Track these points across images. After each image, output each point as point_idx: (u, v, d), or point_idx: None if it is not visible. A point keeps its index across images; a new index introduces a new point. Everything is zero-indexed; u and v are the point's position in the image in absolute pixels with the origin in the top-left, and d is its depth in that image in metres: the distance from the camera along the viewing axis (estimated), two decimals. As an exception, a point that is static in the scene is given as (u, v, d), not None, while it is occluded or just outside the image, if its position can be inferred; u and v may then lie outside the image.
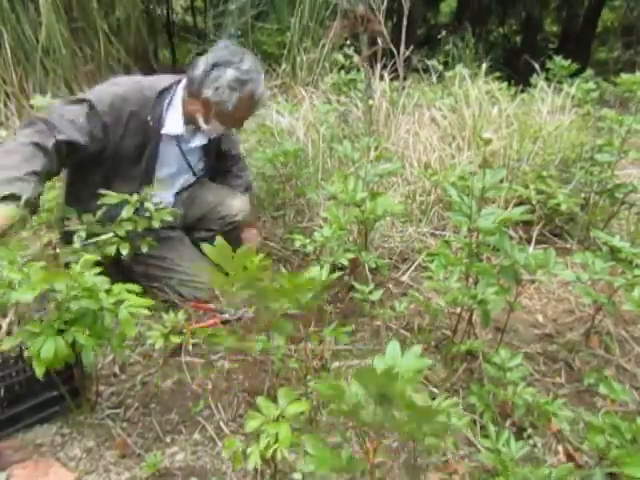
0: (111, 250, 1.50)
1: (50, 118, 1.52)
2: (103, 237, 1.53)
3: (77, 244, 1.49)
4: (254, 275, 1.02)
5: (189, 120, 1.76)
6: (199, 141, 1.84)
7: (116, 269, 1.66)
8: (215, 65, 1.67)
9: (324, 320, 1.67)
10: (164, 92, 1.73)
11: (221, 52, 1.70)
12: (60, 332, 1.08)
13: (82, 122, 1.57)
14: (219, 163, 2.10)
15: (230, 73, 1.66)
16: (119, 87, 1.68)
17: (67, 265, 1.44)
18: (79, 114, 1.57)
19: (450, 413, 1.07)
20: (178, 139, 1.81)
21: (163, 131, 1.73)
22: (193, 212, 2.02)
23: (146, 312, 1.13)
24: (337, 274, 1.23)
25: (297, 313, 1.20)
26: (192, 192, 2.02)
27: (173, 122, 1.74)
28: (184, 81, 1.76)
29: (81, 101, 1.61)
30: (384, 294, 1.79)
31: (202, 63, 1.69)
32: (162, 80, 1.76)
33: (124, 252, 1.53)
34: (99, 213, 1.63)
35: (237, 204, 2.01)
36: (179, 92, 1.75)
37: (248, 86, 1.69)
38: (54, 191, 1.90)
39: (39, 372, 1.03)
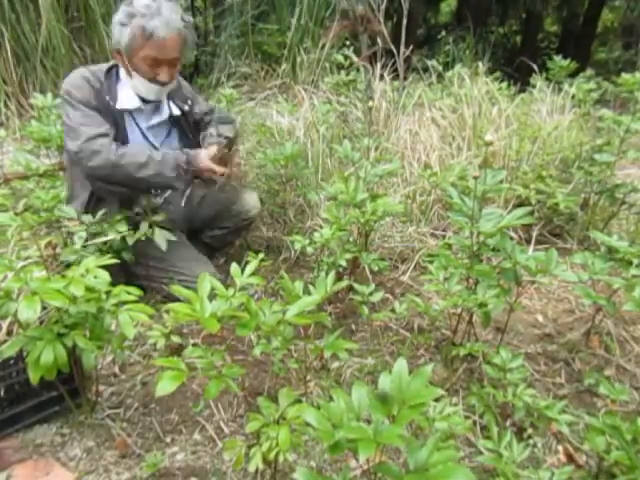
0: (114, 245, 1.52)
1: (83, 137, 1.61)
2: (108, 237, 1.54)
3: (78, 244, 1.49)
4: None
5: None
6: (159, 117, 1.82)
7: (119, 269, 1.67)
8: (116, 10, 1.66)
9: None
10: (112, 69, 1.73)
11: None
12: (60, 336, 1.08)
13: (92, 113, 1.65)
14: (197, 130, 2.01)
15: (119, 13, 1.63)
16: (78, 72, 1.71)
17: (68, 266, 1.45)
18: (82, 115, 1.64)
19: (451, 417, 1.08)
20: (135, 118, 1.79)
21: (118, 106, 1.71)
22: (205, 212, 2.02)
23: (145, 318, 1.13)
24: (341, 283, 1.22)
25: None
26: (200, 191, 2.02)
27: (126, 96, 1.73)
28: None
29: (69, 104, 1.66)
30: (384, 295, 1.79)
31: None
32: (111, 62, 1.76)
33: (126, 256, 1.55)
34: (99, 214, 1.64)
35: (251, 200, 2.01)
36: (119, 70, 1.74)
37: (136, 20, 1.60)
38: (54, 191, 1.90)
39: (34, 378, 1.03)
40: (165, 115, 1.84)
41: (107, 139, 1.64)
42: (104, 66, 1.75)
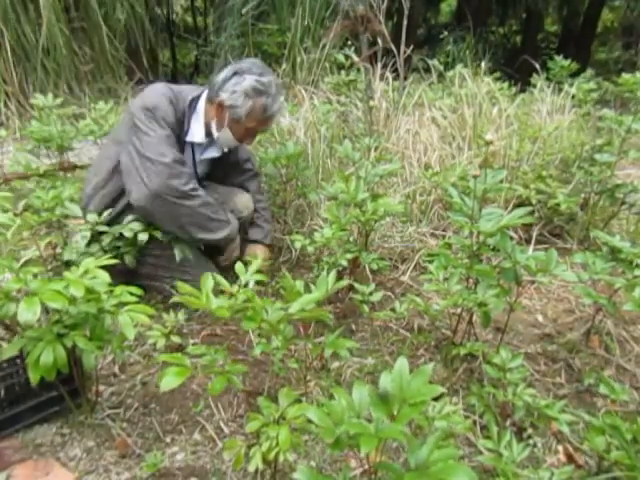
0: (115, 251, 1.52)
1: (168, 159, 1.63)
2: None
3: (81, 244, 1.50)
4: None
5: (208, 130, 1.82)
6: (213, 153, 1.88)
7: (119, 269, 1.67)
8: (236, 73, 1.74)
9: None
10: (193, 101, 1.79)
11: (245, 63, 1.77)
12: (60, 336, 1.08)
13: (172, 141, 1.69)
14: (231, 173, 2.11)
15: (248, 80, 1.72)
16: (162, 91, 1.73)
17: (67, 264, 1.45)
18: (166, 135, 1.68)
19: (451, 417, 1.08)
20: (194, 148, 1.85)
21: (187, 138, 1.78)
22: None
23: (145, 319, 1.13)
24: (342, 282, 1.22)
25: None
26: None
27: (196, 131, 1.80)
28: (207, 90, 1.82)
29: (153, 119, 1.67)
30: (384, 295, 1.79)
31: (225, 70, 1.77)
32: (192, 90, 1.82)
33: (127, 260, 1.55)
34: (105, 214, 1.64)
35: (243, 201, 2.02)
36: (202, 101, 1.80)
37: (262, 98, 1.74)
38: (54, 191, 1.90)
39: (34, 379, 1.03)
40: (219, 152, 1.90)
41: (188, 169, 1.70)
42: (186, 93, 1.78)
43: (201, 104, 1.80)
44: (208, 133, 1.82)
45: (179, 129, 1.76)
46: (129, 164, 1.65)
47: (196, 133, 1.79)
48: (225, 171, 2.08)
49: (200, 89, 1.84)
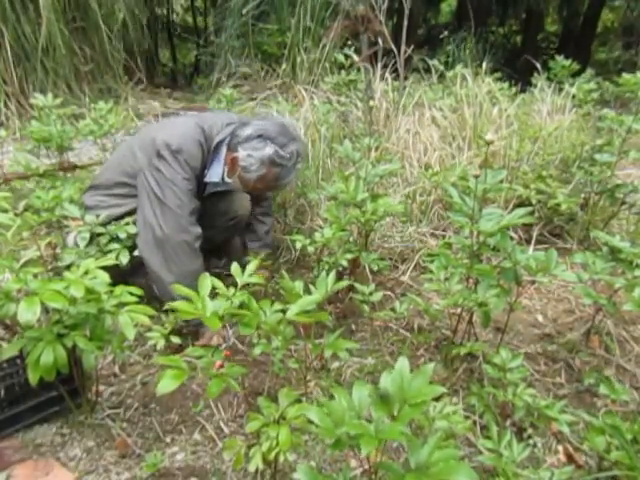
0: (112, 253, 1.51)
1: (180, 209, 1.64)
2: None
3: (81, 245, 1.50)
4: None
5: (224, 171, 1.82)
6: (223, 188, 1.88)
7: (116, 277, 1.67)
8: (261, 136, 1.71)
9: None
10: (219, 144, 1.79)
11: (274, 128, 1.73)
12: (60, 336, 1.08)
13: (191, 187, 1.70)
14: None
15: (268, 150, 1.69)
16: (194, 134, 1.72)
17: (68, 267, 1.45)
18: (187, 181, 1.68)
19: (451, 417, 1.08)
20: (207, 186, 1.85)
21: (206, 179, 1.78)
22: None
23: (145, 319, 1.12)
24: (342, 282, 1.22)
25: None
26: None
27: (215, 172, 1.80)
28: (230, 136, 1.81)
29: (179, 163, 1.67)
30: (384, 295, 1.79)
31: (252, 127, 1.73)
32: (221, 126, 1.80)
33: (124, 260, 1.54)
34: (102, 216, 1.64)
35: (239, 201, 2.01)
36: (225, 145, 1.80)
37: (277, 169, 1.72)
38: (54, 191, 1.90)
39: (33, 379, 1.03)
40: (230, 187, 1.88)
41: (199, 228, 1.70)
42: (215, 132, 1.77)
43: (224, 148, 1.79)
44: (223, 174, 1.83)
45: (201, 170, 1.76)
46: (146, 205, 1.65)
47: (214, 174, 1.80)
48: None
49: (228, 130, 1.80)
